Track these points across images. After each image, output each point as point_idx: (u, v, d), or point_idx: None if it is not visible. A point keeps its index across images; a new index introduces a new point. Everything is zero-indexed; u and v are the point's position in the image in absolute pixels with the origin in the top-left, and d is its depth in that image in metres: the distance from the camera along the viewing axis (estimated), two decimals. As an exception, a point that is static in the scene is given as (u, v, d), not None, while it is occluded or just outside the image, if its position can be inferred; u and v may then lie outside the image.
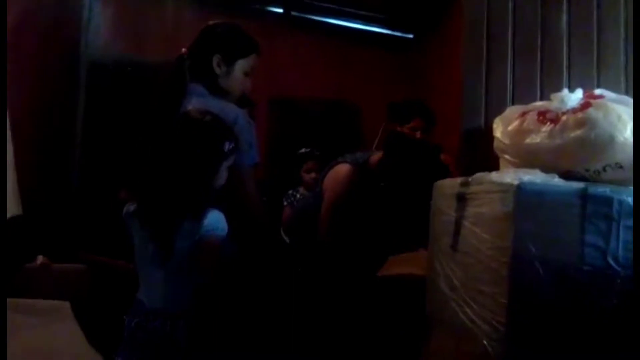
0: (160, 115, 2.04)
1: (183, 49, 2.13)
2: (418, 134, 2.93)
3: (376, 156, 2.70)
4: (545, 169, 1.51)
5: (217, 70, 2.08)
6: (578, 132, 1.55)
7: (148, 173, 1.85)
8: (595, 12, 2.00)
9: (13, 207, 3.30)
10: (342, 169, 2.71)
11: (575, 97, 1.65)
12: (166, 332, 1.70)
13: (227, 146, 1.82)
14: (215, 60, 2.07)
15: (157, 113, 2.08)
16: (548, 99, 1.74)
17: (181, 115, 1.91)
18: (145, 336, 1.71)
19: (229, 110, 1.97)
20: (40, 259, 3.05)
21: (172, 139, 1.81)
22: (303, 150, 3.53)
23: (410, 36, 4.73)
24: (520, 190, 1.37)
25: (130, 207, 1.85)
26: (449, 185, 1.72)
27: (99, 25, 4.15)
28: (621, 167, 1.53)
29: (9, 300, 1.75)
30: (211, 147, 1.80)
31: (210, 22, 2.18)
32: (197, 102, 2.00)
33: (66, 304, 1.80)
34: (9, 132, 3.35)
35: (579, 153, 1.56)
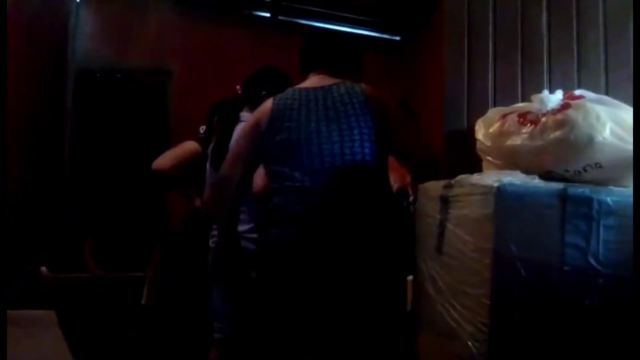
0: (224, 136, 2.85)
1: (237, 87, 3.00)
2: None
3: None
4: (527, 170, 1.51)
5: None
6: (557, 133, 1.56)
7: None
8: (574, 13, 2.01)
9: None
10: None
11: (555, 98, 1.66)
12: None
13: None
14: (262, 95, 2.72)
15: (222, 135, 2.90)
16: (529, 100, 1.76)
17: None
18: None
19: None
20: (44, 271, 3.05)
21: None
22: None
23: (398, 38, 4.75)
24: (500, 192, 1.37)
25: None
26: (433, 187, 1.72)
27: (85, 32, 4.17)
28: (601, 166, 1.54)
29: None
30: None
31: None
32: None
33: (51, 314, 1.80)
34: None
35: (559, 154, 1.57)
